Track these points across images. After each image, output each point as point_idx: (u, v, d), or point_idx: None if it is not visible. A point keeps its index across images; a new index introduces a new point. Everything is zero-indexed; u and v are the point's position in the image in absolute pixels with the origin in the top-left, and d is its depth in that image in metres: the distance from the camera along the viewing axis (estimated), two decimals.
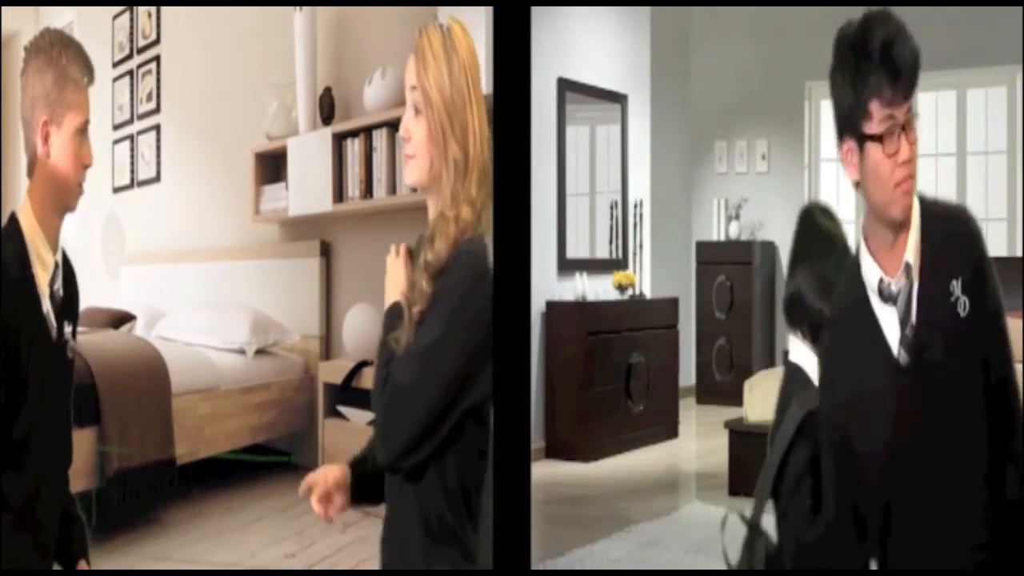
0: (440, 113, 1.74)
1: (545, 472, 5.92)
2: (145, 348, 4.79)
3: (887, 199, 1.72)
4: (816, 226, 1.95)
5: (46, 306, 1.96)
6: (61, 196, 2.01)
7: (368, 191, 4.75)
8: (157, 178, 6.94)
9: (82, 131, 2.01)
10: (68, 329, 2.05)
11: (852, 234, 1.89)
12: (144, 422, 4.33)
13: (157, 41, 6.91)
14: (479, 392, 1.71)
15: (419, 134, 1.76)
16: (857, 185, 1.77)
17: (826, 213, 1.97)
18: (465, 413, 1.69)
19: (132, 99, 7.25)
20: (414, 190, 1.87)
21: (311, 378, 5.25)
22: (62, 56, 1.98)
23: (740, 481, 5.39)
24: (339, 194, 4.92)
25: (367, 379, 4.54)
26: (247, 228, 5.88)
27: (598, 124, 7.15)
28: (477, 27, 4.13)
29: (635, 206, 7.25)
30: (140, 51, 7.13)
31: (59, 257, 2.02)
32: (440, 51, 1.75)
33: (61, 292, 2.01)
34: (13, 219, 1.93)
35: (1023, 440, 1.73)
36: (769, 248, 8.71)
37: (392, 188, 4.63)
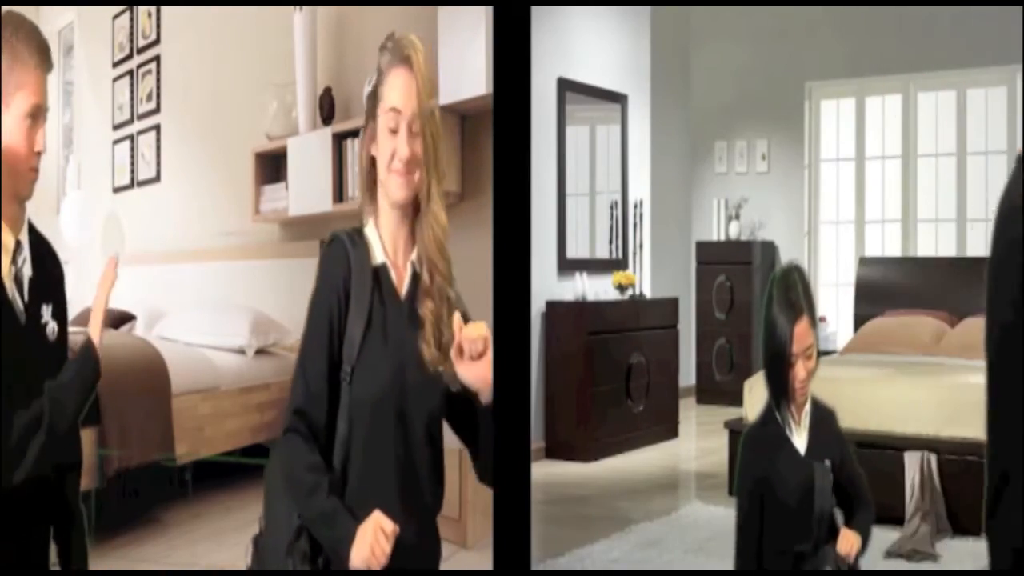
0: (432, 123, 1.83)
1: (545, 472, 5.92)
2: (145, 348, 4.79)
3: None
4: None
5: (10, 288, 1.88)
6: (12, 181, 1.93)
7: None
8: (157, 178, 6.94)
9: (33, 115, 1.95)
10: (48, 311, 1.97)
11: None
12: (144, 422, 4.33)
13: (157, 41, 6.91)
14: None
15: (418, 151, 1.83)
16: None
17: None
18: None
19: (132, 99, 7.25)
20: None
21: None
22: (12, 36, 1.93)
23: None
24: (339, 194, 4.91)
25: None
26: (247, 228, 5.88)
27: (598, 124, 7.15)
28: (477, 27, 4.13)
29: (635, 206, 7.25)
30: (140, 51, 7.13)
31: (23, 237, 1.95)
32: (422, 64, 1.84)
33: (30, 273, 1.94)
34: None
35: None
36: (769, 248, 8.71)
37: None
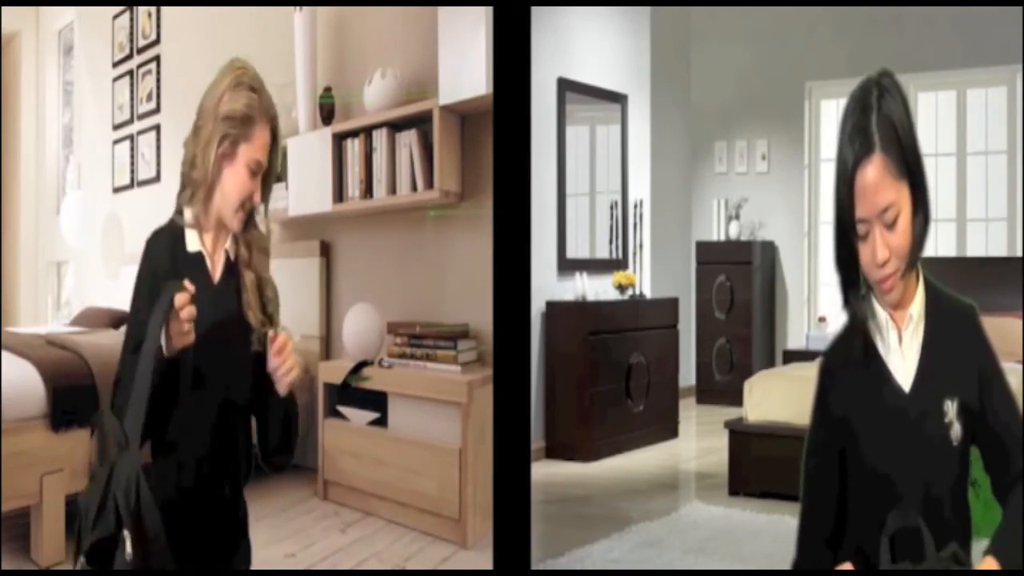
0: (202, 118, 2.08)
1: (545, 472, 5.92)
2: None
3: None
4: None
5: None
6: None
7: (368, 191, 4.74)
8: (157, 178, 6.94)
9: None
10: None
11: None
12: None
13: (157, 41, 6.91)
14: None
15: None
16: None
17: None
18: None
19: (132, 99, 7.25)
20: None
21: (311, 378, 5.25)
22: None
23: (740, 481, 5.39)
24: (339, 194, 4.91)
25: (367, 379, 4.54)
26: None
27: (598, 124, 7.14)
28: (477, 27, 4.13)
29: (635, 206, 7.25)
30: (140, 51, 7.13)
31: None
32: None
33: None
34: None
35: None
36: (769, 248, 8.71)
37: (392, 188, 4.63)
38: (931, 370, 1.67)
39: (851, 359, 1.69)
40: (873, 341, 1.68)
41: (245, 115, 1.99)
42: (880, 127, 1.59)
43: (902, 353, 1.68)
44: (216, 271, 2.00)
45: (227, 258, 2.02)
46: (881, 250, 1.59)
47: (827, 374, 1.75)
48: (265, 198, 2.06)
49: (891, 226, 1.59)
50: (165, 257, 1.94)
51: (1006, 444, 1.66)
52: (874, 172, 1.58)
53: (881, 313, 1.68)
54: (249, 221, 2.05)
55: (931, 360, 1.67)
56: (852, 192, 1.59)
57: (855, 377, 1.70)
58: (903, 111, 1.62)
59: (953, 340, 1.68)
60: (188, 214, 2.01)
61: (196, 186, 1.99)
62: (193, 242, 1.98)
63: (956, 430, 1.65)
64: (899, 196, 1.59)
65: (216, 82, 2.01)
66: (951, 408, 1.65)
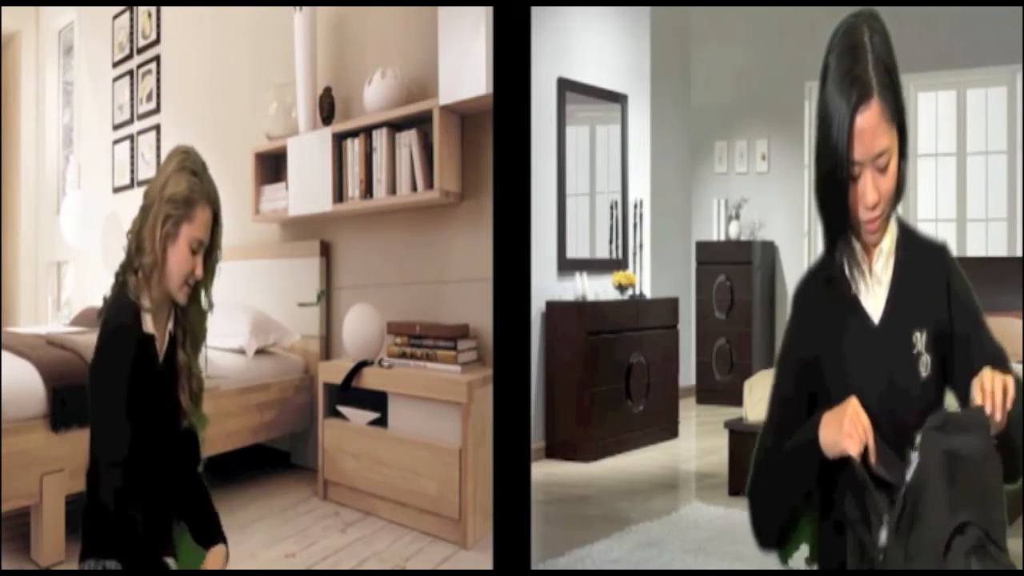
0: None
1: (545, 472, 5.92)
2: None
3: None
4: None
5: None
6: None
7: (368, 191, 4.74)
8: None
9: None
10: None
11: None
12: None
13: (157, 41, 6.91)
14: None
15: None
16: None
17: None
18: None
19: (132, 99, 7.25)
20: None
21: (311, 378, 5.25)
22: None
23: (740, 481, 5.39)
24: (339, 194, 4.92)
25: (367, 379, 4.54)
26: (247, 228, 5.88)
27: (598, 124, 7.15)
28: (477, 27, 4.13)
29: (635, 206, 7.25)
30: (140, 51, 7.13)
31: None
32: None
33: None
34: None
35: None
36: (769, 248, 8.71)
37: (392, 188, 4.63)
38: (900, 302, 1.68)
39: (825, 293, 1.72)
40: (848, 278, 1.71)
41: (187, 197, 2.15)
42: (876, 71, 1.64)
43: (873, 287, 1.70)
44: (161, 351, 2.21)
45: (169, 338, 2.21)
46: (871, 193, 1.62)
47: (800, 304, 1.80)
48: (208, 275, 2.24)
49: (883, 170, 1.63)
50: (132, 345, 2.12)
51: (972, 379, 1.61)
52: (872, 118, 1.61)
53: (856, 248, 1.71)
54: (194, 298, 2.23)
55: (900, 292, 1.69)
56: (851, 136, 1.60)
57: (827, 311, 1.72)
58: (891, 54, 1.69)
59: (924, 273, 1.70)
60: (144, 300, 2.17)
61: (148, 270, 2.15)
62: (148, 324, 2.17)
63: (925, 361, 1.67)
64: (892, 141, 1.63)
65: (162, 168, 2.21)
66: (920, 339, 1.67)
